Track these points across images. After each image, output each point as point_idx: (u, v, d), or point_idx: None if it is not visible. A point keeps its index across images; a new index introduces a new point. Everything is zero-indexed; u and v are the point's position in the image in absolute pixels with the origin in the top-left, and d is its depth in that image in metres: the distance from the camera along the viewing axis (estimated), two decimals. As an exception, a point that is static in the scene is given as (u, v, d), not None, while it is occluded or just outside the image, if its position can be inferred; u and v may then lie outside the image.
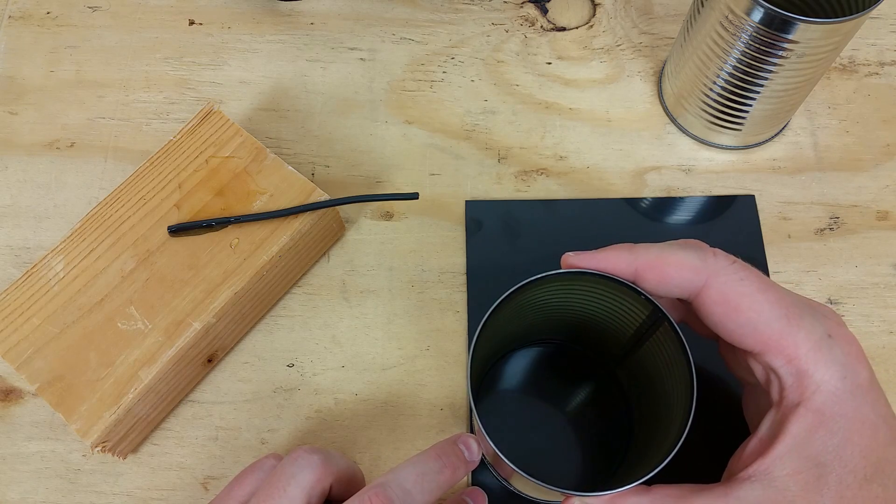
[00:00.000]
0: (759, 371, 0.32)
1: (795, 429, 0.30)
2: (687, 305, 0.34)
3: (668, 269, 0.31)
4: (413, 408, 0.42)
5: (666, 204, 0.46)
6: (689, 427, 0.30)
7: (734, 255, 0.32)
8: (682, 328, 0.32)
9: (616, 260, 0.32)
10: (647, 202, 0.46)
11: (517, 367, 0.42)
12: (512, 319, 0.36)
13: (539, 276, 0.32)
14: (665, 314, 0.32)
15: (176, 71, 0.51)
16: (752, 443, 0.31)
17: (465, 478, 0.40)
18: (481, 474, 0.40)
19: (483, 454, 0.39)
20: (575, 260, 0.32)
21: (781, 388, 0.30)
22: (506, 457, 0.29)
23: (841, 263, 0.45)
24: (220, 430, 0.42)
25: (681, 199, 0.46)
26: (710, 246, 0.32)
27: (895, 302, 0.44)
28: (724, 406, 0.40)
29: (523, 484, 0.37)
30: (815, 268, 0.45)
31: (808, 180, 0.47)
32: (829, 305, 0.44)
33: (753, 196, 0.46)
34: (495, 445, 0.30)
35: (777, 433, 0.30)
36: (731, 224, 0.46)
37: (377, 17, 0.53)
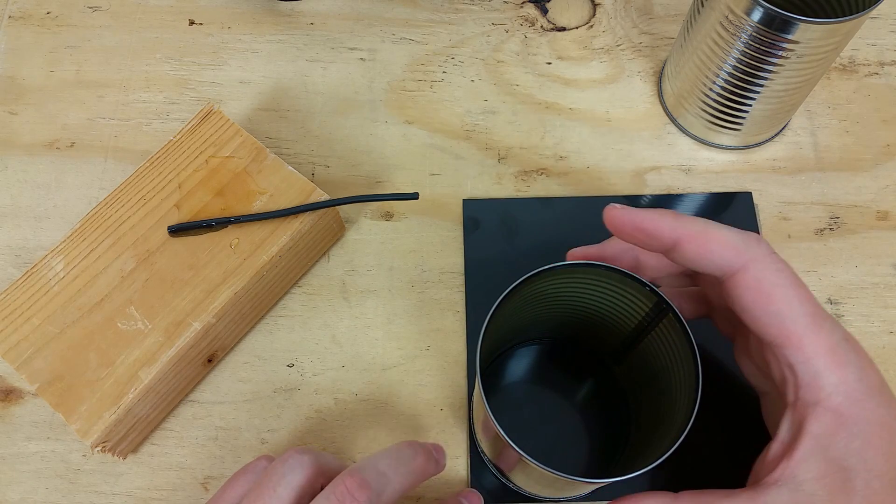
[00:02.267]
0: (775, 369, 0.32)
1: (815, 429, 0.30)
2: (710, 295, 0.34)
3: (711, 243, 0.30)
4: (413, 408, 0.42)
5: (663, 201, 0.46)
6: (693, 418, 0.29)
7: None
8: (691, 325, 0.32)
9: (659, 222, 0.31)
10: (644, 199, 0.46)
11: (517, 363, 0.42)
12: (516, 312, 0.36)
13: (547, 266, 0.32)
14: (670, 304, 0.31)
15: (176, 71, 0.51)
16: (774, 446, 0.31)
17: (465, 475, 0.40)
18: (480, 474, 0.40)
19: (483, 452, 0.39)
20: (617, 213, 0.32)
21: (797, 387, 0.30)
22: (512, 442, 0.30)
23: (841, 263, 0.45)
24: (220, 430, 0.42)
25: (678, 195, 0.46)
26: None
27: (895, 302, 0.44)
28: (741, 410, 0.40)
29: (524, 478, 0.37)
30: (815, 268, 0.45)
31: (808, 180, 0.47)
32: (828, 305, 0.44)
33: (750, 193, 0.46)
34: (502, 428, 0.30)
35: (797, 435, 0.30)
36: (728, 221, 0.45)
37: (377, 17, 0.53)
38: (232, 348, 0.44)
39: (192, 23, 0.53)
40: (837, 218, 0.46)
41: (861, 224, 0.46)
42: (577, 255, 0.33)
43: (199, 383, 0.43)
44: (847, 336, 0.31)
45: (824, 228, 0.46)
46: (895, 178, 0.47)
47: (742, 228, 0.44)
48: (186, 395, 0.43)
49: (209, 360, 0.42)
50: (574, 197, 0.47)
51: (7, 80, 0.51)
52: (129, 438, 0.40)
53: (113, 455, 0.39)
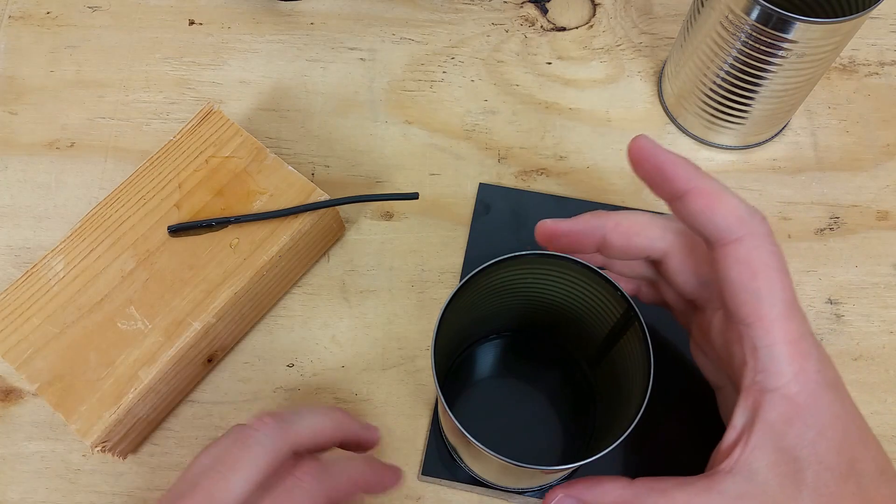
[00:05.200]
0: (737, 351, 0.31)
1: (770, 416, 0.30)
2: (665, 291, 0.35)
3: (720, 205, 0.30)
4: (413, 408, 0.42)
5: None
6: (633, 426, 0.30)
7: None
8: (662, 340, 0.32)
9: (679, 167, 0.31)
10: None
11: (487, 354, 0.42)
12: (487, 299, 0.36)
13: (516, 254, 0.32)
14: (637, 313, 0.32)
15: (176, 71, 0.51)
16: (729, 434, 0.31)
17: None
18: (454, 469, 0.40)
19: (453, 448, 0.39)
20: (646, 142, 0.32)
21: (756, 371, 0.30)
22: (470, 435, 0.30)
23: (841, 263, 0.45)
24: (220, 430, 0.42)
25: None
26: None
27: (895, 302, 0.44)
28: (705, 405, 0.40)
29: (480, 465, 0.37)
30: (815, 268, 0.45)
31: (808, 180, 0.47)
32: (828, 305, 0.44)
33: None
34: (451, 412, 0.30)
35: (752, 421, 0.30)
36: None
37: (377, 17, 0.53)
38: (232, 348, 0.44)
39: (192, 23, 0.53)
40: (837, 218, 0.46)
41: (861, 224, 0.46)
42: (546, 226, 0.33)
43: (199, 383, 0.43)
44: (811, 332, 0.31)
45: (824, 228, 0.46)
46: (895, 178, 0.47)
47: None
48: (186, 395, 0.43)
49: (209, 360, 0.42)
50: (589, 201, 0.46)
51: (7, 80, 0.51)
52: (129, 438, 0.40)
53: (113, 455, 0.39)
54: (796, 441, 0.29)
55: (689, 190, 0.31)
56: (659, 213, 0.35)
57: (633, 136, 0.48)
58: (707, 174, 0.31)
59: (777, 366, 0.30)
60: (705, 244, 0.32)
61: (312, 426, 0.34)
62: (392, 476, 0.36)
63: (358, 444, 0.37)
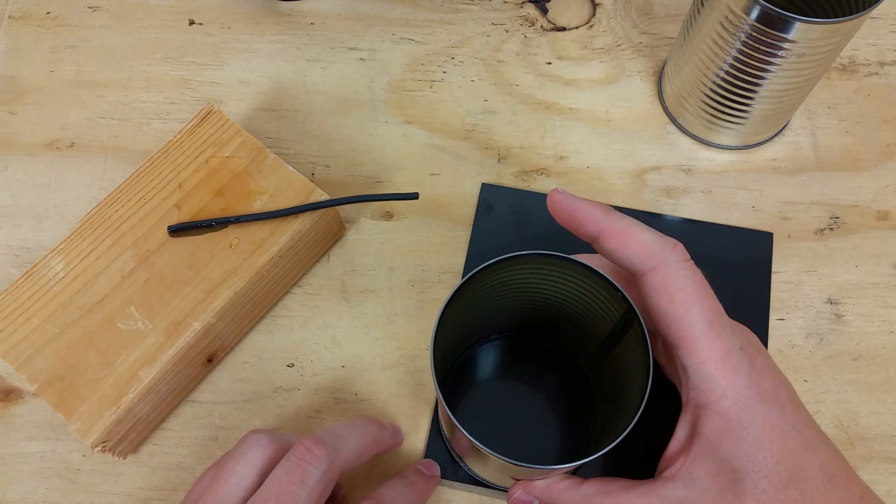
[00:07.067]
0: (673, 370, 0.33)
1: (707, 430, 0.31)
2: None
3: (629, 241, 0.32)
4: (413, 408, 0.42)
5: (681, 225, 0.46)
6: (628, 430, 0.30)
7: (737, 287, 0.32)
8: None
9: (590, 213, 0.33)
10: (663, 219, 0.46)
11: (488, 355, 0.42)
12: (487, 299, 0.36)
13: (516, 254, 0.32)
14: (637, 315, 0.32)
15: (176, 71, 0.51)
16: (673, 445, 0.33)
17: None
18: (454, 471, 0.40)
19: (453, 448, 0.39)
20: (559, 196, 0.34)
21: (689, 389, 0.32)
22: (470, 435, 0.30)
23: (841, 263, 0.45)
24: (220, 430, 0.42)
25: (697, 221, 0.46)
26: (713, 276, 0.33)
27: (895, 302, 0.44)
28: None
29: (480, 465, 0.37)
30: (815, 268, 0.45)
31: (808, 180, 0.47)
32: (828, 305, 0.44)
33: (771, 234, 0.45)
34: (451, 412, 0.30)
35: (692, 434, 0.32)
36: (741, 256, 0.45)
37: (377, 17, 0.53)
38: (232, 348, 0.44)
39: (192, 23, 0.53)
40: (837, 218, 0.46)
41: (861, 224, 0.46)
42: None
43: (199, 383, 0.43)
44: (745, 345, 0.32)
45: (824, 228, 0.46)
46: (895, 178, 0.47)
47: (755, 266, 0.45)
48: (186, 395, 0.43)
49: (209, 360, 0.42)
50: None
51: (7, 80, 0.51)
52: (129, 438, 0.40)
53: (113, 455, 0.39)
54: (732, 453, 0.31)
55: (600, 231, 0.33)
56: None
57: (631, 138, 0.48)
58: (618, 214, 0.33)
59: (706, 383, 0.31)
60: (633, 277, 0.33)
61: (357, 449, 0.34)
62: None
63: (386, 451, 0.39)
